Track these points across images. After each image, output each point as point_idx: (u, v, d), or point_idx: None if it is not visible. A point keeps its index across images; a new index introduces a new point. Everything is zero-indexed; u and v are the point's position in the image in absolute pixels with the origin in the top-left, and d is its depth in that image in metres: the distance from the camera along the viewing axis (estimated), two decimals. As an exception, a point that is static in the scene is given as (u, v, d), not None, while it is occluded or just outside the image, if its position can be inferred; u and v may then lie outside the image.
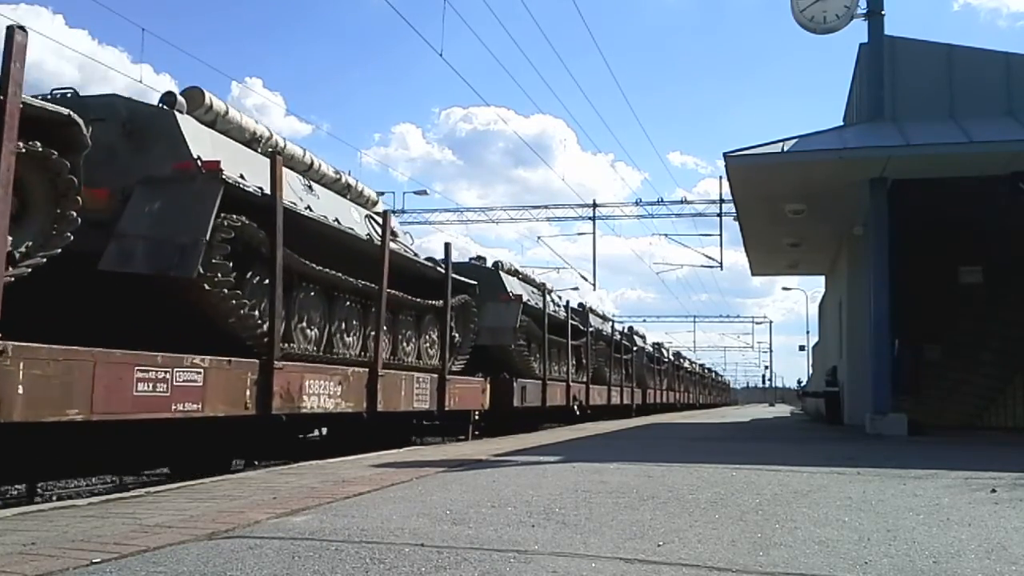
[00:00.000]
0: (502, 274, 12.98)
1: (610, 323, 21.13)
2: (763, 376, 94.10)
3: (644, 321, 59.03)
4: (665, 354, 29.57)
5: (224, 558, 2.48)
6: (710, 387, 51.20)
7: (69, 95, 5.66)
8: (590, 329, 16.95)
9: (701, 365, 50.65)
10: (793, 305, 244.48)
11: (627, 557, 2.53)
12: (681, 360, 36.33)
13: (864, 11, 11.91)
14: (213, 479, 4.95)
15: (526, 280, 14.22)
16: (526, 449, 7.29)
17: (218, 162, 5.43)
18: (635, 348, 23.27)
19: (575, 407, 15.28)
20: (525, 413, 12.65)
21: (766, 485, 4.47)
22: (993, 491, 4.26)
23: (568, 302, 16.25)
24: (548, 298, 14.30)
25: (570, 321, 15.31)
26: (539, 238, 69.55)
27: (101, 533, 2.95)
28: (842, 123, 14.44)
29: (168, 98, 5.80)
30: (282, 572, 2.31)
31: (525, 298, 12.80)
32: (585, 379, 16.34)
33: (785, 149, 11.23)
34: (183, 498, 3.98)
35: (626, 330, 23.90)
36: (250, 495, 4.05)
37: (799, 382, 48.22)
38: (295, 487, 4.37)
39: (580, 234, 32.20)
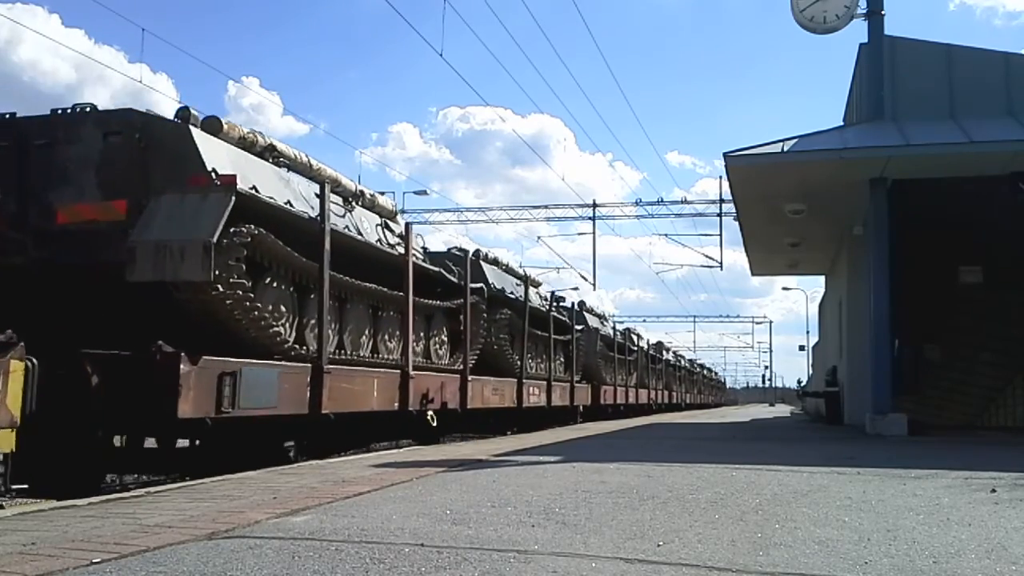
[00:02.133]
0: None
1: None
2: (763, 376, 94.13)
3: (644, 321, 59.04)
4: (634, 342, 23.92)
5: (224, 558, 2.48)
6: (700, 385, 45.72)
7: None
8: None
9: (690, 361, 44.90)
10: (792, 305, 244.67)
11: (627, 557, 2.53)
12: (660, 352, 30.11)
13: (864, 11, 11.90)
14: (213, 479, 4.95)
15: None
16: (526, 449, 7.28)
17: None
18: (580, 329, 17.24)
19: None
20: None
21: (766, 485, 4.47)
22: (993, 491, 4.26)
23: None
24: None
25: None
26: (539, 238, 69.48)
27: (101, 533, 2.95)
28: (842, 123, 14.43)
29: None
30: (282, 572, 2.31)
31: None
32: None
33: (785, 149, 11.23)
34: (183, 498, 3.98)
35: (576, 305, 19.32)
36: (250, 495, 4.05)
37: (799, 382, 48.07)
38: (295, 487, 4.37)
39: (580, 234, 32.18)
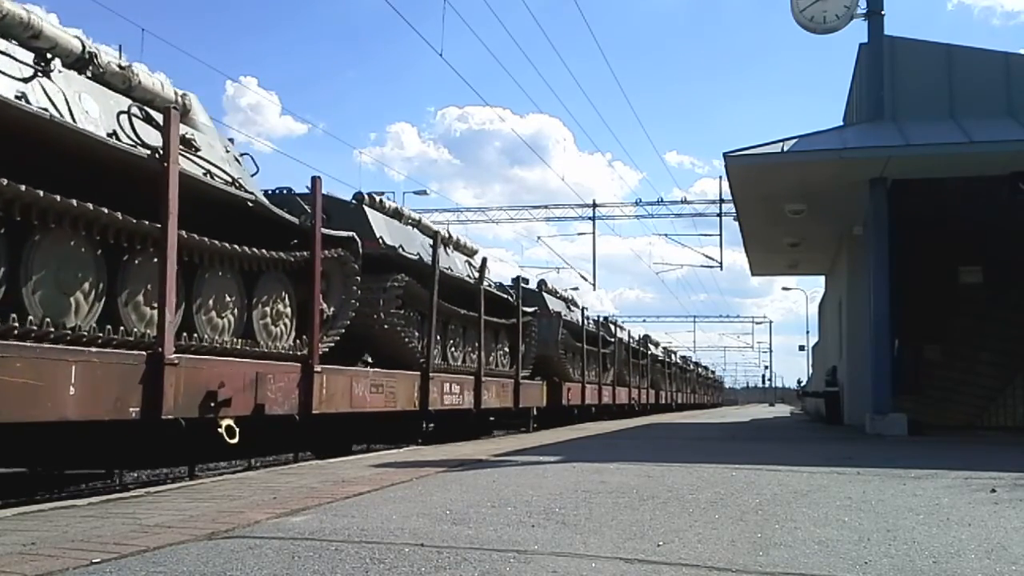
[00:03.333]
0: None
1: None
2: (763, 376, 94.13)
3: (644, 321, 58.90)
4: (612, 333, 20.77)
5: (224, 558, 2.48)
6: (694, 383, 41.76)
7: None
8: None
9: (684, 357, 41.52)
10: (792, 305, 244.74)
11: (627, 557, 2.53)
12: (646, 346, 26.74)
13: (864, 11, 11.91)
14: (213, 479, 4.95)
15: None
16: (526, 449, 7.29)
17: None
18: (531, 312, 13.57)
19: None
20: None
21: (766, 485, 4.47)
22: (993, 491, 4.26)
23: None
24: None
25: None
26: (539, 238, 69.52)
27: (101, 533, 2.95)
28: (842, 123, 14.44)
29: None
30: (282, 572, 2.31)
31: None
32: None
33: (785, 149, 11.23)
34: (183, 498, 3.98)
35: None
36: (250, 495, 4.05)
37: (799, 382, 48.06)
38: (295, 487, 4.37)
39: (580, 234, 32.18)
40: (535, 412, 13.37)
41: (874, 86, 11.93)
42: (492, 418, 12.20)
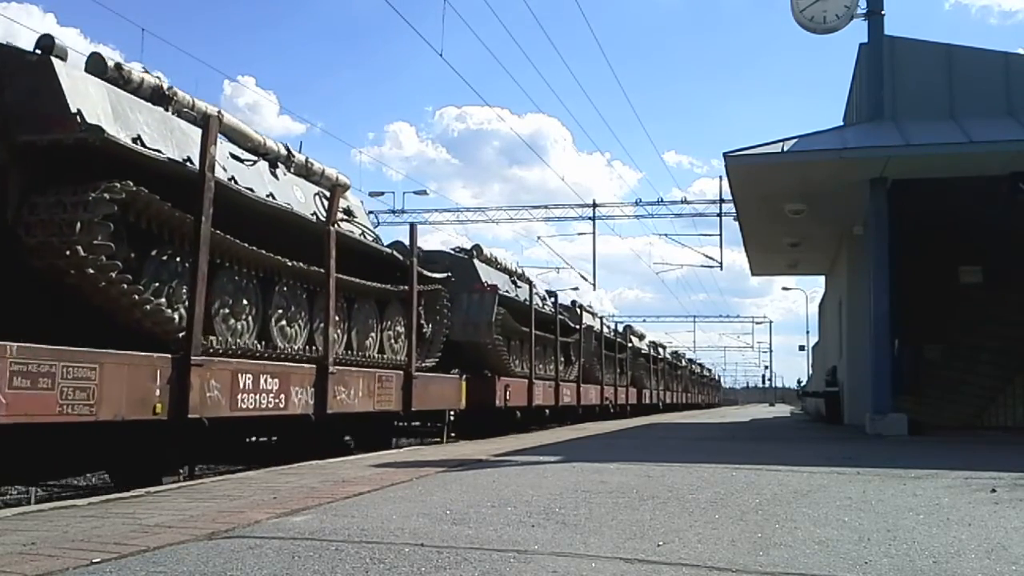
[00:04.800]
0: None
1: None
2: (763, 376, 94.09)
3: (644, 321, 58.77)
4: (578, 318, 17.13)
5: (224, 558, 2.48)
6: (686, 381, 38.31)
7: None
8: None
9: (675, 353, 38.07)
10: (792, 305, 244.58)
11: (627, 557, 2.53)
12: (626, 338, 23.53)
13: (864, 11, 11.91)
14: (213, 479, 4.95)
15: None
16: (526, 449, 7.29)
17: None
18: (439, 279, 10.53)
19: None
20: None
21: (766, 485, 4.47)
22: (993, 491, 4.26)
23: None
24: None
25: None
26: (539, 238, 69.38)
27: (101, 533, 2.95)
28: (842, 123, 14.44)
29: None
30: (282, 572, 2.31)
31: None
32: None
33: (785, 149, 11.23)
34: (183, 498, 3.98)
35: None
36: (250, 495, 4.05)
37: (799, 382, 48.04)
38: (295, 487, 4.37)
39: (580, 234, 32.12)
40: (451, 417, 10.33)
41: (874, 86, 11.93)
42: (397, 423, 9.51)
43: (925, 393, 14.03)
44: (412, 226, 9.37)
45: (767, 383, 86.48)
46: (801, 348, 56.90)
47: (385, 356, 8.33)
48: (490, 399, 11.21)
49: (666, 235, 47.29)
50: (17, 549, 2.66)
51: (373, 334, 8.25)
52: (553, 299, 15.54)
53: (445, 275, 9.76)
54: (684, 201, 31.63)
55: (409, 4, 23.30)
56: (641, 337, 27.38)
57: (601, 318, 20.10)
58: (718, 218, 27.65)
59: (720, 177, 29.58)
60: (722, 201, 26.94)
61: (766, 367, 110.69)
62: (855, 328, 14.40)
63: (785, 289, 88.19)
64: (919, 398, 13.59)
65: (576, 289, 32.05)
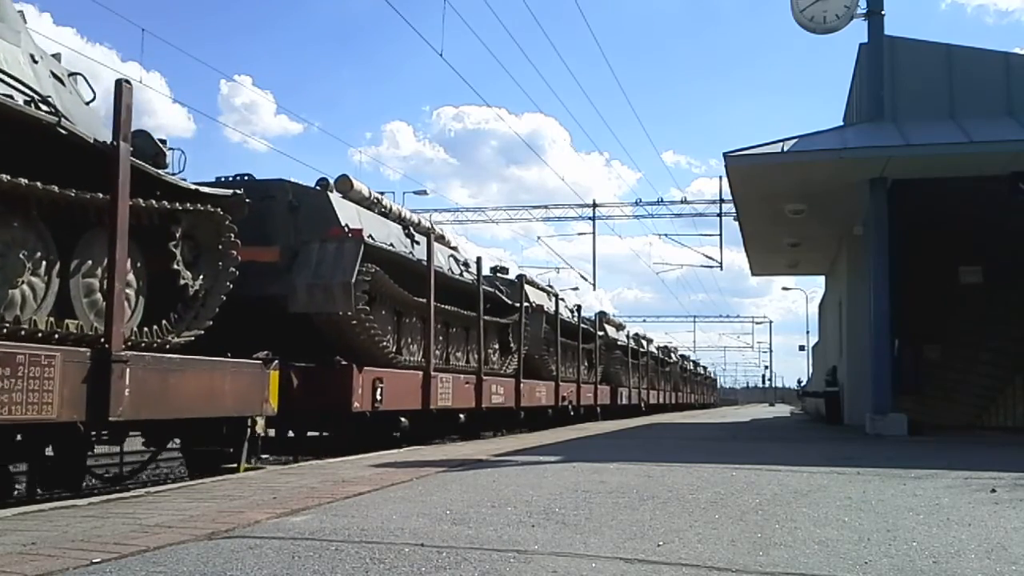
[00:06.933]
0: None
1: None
2: (763, 376, 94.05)
3: (644, 321, 58.71)
4: (528, 299, 13.64)
5: (224, 558, 2.48)
6: (676, 379, 34.91)
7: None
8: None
9: (664, 348, 33.81)
10: (792, 305, 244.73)
11: (627, 557, 2.53)
12: (602, 327, 20.28)
13: (864, 11, 11.91)
14: (213, 479, 4.95)
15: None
16: (526, 449, 7.29)
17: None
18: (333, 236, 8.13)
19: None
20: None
21: (766, 485, 4.47)
22: (993, 491, 4.26)
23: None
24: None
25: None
26: (539, 238, 69.47)
27: (101, 533, 2.95)
28: (842, 123, 14.44)
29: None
30: (282, 572, 2.31)
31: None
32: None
33: (785, 149, 11.23)
34: (183, 498, 3.98)
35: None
36: (250, 495, 4.05)
37: (799, 382, 48.03)
38: (295, 487, 4.37)
39: (580, 234, 32.08)
40: (260, 432, 6.32)
41: (874, 86, 11.93)
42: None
43: (925, 393, 14.03)
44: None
45: (767, 383, 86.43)
46: (801, 348, 56.98)
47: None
48: (341, 400, 7.44)
49: (666, 235, 47.35)
50: (17, 549, 2.66)
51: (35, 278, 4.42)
52: (477, 263, 11.18)
53: (230, 192, 6.07)
54: (684, 201, 31.63)
55: (408, 4, 23.29)
56: (620, 327, 23.86)
57: (558, 298, 15.92)
58: (718, 218, 27.63)
59: (720, 177, 29.61)
60: (722, 201, 26.92)
61: (766, 367, 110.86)
62: (855, 328, 14.40)
63: (785, 289, 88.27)
64: (919, 398, 13.60)
65: (576, 289, 32.03)
